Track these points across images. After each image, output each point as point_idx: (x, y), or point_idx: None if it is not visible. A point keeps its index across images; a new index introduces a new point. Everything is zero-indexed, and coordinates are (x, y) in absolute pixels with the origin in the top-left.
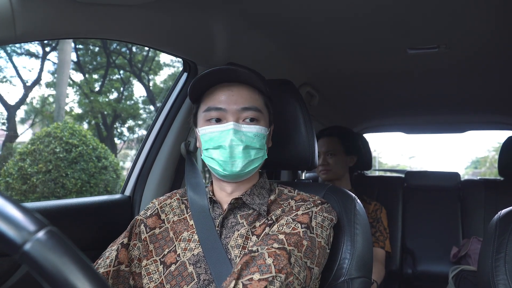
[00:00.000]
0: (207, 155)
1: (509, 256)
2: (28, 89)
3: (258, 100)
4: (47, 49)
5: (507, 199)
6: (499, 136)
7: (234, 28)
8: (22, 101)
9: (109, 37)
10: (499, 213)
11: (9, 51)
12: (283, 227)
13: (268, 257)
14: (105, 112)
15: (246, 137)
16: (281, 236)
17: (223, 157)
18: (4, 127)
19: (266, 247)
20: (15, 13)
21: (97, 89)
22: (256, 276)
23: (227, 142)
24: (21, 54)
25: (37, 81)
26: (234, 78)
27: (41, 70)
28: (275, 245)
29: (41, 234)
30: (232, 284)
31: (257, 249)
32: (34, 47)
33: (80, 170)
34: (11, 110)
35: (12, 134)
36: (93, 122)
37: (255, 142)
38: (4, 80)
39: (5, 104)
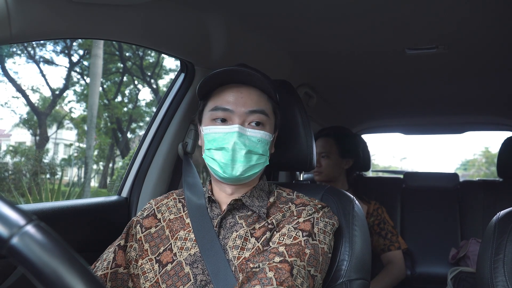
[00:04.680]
0: (208, 155)
1: (508, 258)
2: (56, 97)
3: (267, 104)
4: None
5: (506, 200)
6: (486, 141)
7: (231, 29)
8: (51, 108)
9: (106, 37)
10: (498, 214)
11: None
12: (284, 238)
13: (269, 271)
14: (117, 117)
15: (250, 141)
16: (282, 249)
17: (224, 160)
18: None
19: (267, 262)
20: (10, 13)
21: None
22: None
23: (230, 144)
24: (39, 61)
25: (63, 90)
26: (247, 80)
27: (67, 79)
28: (276, 259)
29: (28, 227)
30: None
31: (258, 265)
32: (56, 56)
33: None
34: (42, 116)
35: (43, 139)
36: (101, 125)
37: (258, 147)
38: (35, 88)
39: (37, 112)
